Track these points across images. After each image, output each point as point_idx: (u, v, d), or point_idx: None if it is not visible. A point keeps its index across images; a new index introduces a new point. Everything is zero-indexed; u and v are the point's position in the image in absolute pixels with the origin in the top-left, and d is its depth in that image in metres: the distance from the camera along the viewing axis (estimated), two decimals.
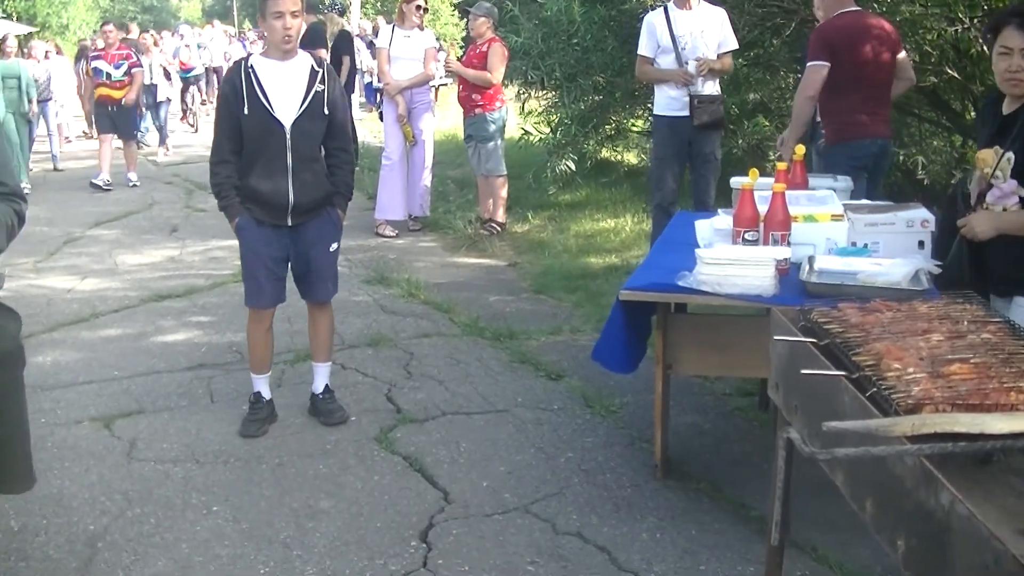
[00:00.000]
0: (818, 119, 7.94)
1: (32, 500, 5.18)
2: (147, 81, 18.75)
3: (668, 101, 8.78)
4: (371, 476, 5.50)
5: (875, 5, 9.12)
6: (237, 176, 5.82)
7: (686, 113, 8.67)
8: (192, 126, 24.23)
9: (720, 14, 8.84)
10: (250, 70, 5.76)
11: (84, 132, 23.21)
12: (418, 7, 11.47)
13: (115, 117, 15.95)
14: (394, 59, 11.36)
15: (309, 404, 6.33)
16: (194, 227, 12.27)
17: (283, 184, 5.77)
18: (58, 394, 6.72)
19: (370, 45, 18.28)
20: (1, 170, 3.68)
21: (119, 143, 16.18)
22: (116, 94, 15.83)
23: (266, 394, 6.23)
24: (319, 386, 6.31)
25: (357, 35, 19.87)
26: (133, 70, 16.10)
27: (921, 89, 10.18)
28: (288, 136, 5.73)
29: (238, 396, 6.60)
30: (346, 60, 17.02)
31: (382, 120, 12.20)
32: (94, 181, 15.63)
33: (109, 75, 15.84)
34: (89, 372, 7.17)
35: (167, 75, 20.66)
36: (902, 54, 7.52)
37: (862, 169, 7.27)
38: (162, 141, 20.31)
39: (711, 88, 8.76)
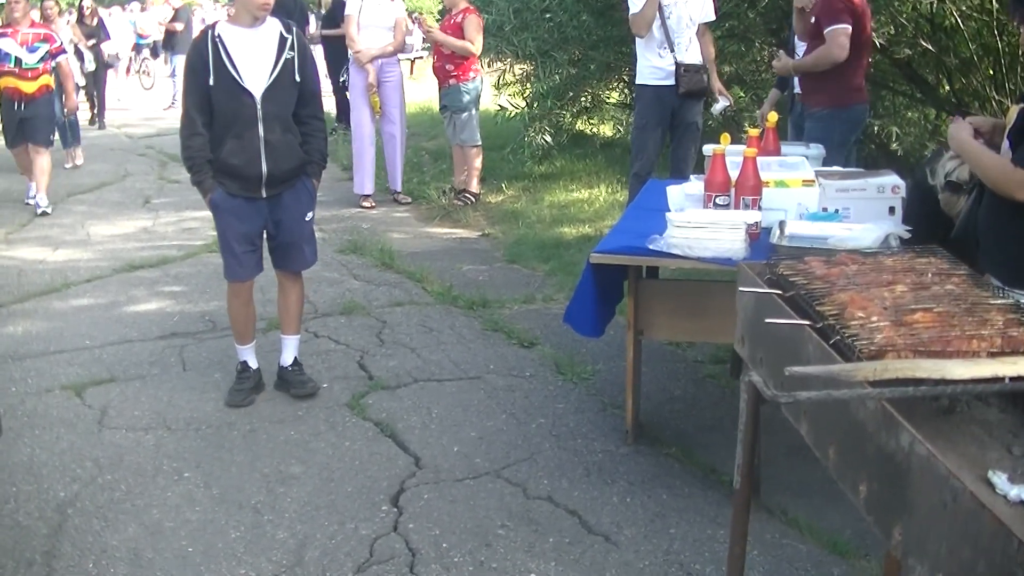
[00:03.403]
0: (796, 90, 7.97)
1: (2, 468, 5.19)
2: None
3: (652, 70, 8.72)
4: (342, 442, 5.50)
5: None
6: (209, 149, 5.69)
7: (671, 82, 8.63)
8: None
9: None
10: (217, 39, 5.59)
11: None
12: None
13: (25, 118, 11.59)
14: (363, 27, 11.19)
15: (277, 379, 6.26)
16: (167, 198, 12.22)
17: (256, 155, 5.65)
18: (29, 363, 6.69)
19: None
20: None
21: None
22: (27, 87, 11.45)
23: (252, 363, 6.18)
24: (287, 359, 6.22)
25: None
26: (58, 57, 11.86)
27: (896, 62, 10.20)
28: (259, 106, 5.61)
29: (210, 364, 6.59)
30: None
31: (344, 91, 11.95)
32: (28, 200, 12.07)
33: (19, 60, 11.37)
34: (60, 341, 7.14)
35: (79, 55, 15.64)
36: None
37: (854, 134, 7.32)
38: (73, 140, 14.95)
39: (694, 57, 8.70)
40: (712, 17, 8.86)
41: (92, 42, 17.76)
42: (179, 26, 22.11)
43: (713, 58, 8.97)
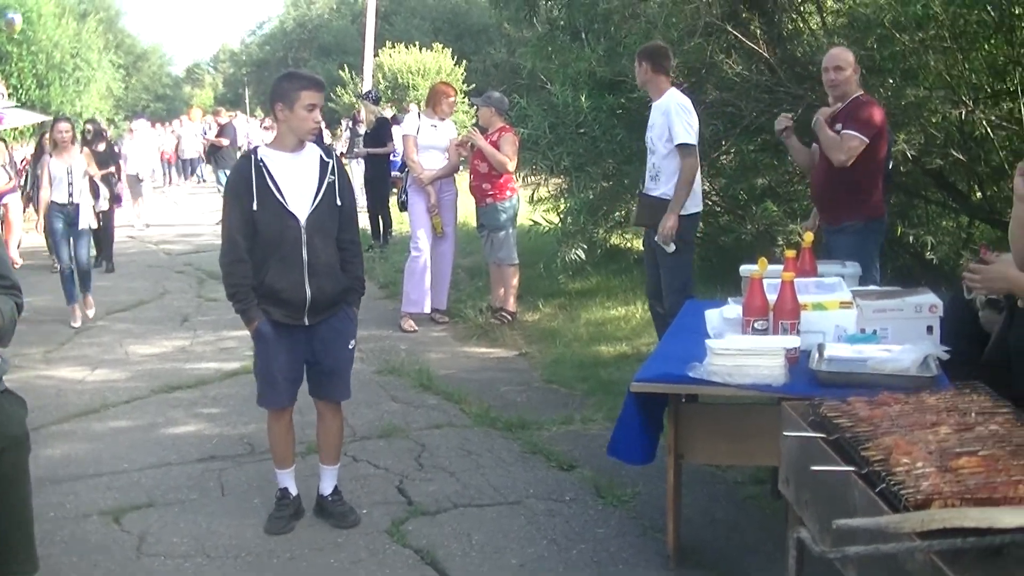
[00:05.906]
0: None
1: None
2: (64, 199, 12.08)
3: None
4: (383, 570, 5.46)
5: (881, 90, 9.18)
6: (251, 275, 5.67)
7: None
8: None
9: (665, 106, 8.22)
10: (260, 163, 5.62)
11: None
12: (452, 101, 11.60)
13: None
14: (422, 148, 11.31)
15: (315, 505, 6.19)
16: (205, 317, 12.29)
17: (300, 281, 5.62)
18: (67, 487, 6.70)
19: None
20: (1, 265, 3.73)
21: None
22: None
23: (293, 490, 6.12)
24: (327, 488, 6.15)
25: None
26: (4, 199, 9.86)
27: (927, 171, 10.24)
28: (304, 230, 5.61)
29: (249, 489, 6.58)
30: (389, 145, 17.58)
31: (403, 210, 12.01)
32: None
33: None
34: (99, 464, 7.15)
35: (94, 188, 13.33)
36: None
37: (880, 245, 7.42)
38: (85, 287, 12.44)
39: (664, 188, 8.28)
40: (677, 140, 8.12)
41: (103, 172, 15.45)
42: (225, 141, 22.44)
43: (679, 189, 8.19)
